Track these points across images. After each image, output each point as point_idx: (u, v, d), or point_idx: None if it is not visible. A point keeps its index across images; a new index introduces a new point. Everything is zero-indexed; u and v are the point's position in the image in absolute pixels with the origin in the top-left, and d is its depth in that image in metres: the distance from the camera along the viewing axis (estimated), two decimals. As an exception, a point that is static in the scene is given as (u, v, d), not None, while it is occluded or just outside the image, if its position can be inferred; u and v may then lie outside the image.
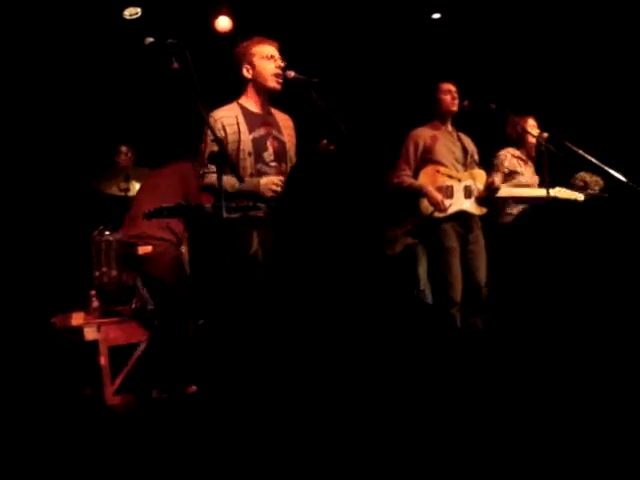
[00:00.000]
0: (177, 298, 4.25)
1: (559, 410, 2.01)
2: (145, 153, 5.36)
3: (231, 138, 3.50)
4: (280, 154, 3.62)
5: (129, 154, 5.42)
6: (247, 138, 3.53)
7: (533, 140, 5.00)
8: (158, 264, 4.29)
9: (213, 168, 3.28)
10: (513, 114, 4.61)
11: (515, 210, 4.92)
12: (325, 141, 3.52)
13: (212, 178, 3.35)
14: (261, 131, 3.59)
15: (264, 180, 3.44)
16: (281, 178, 3.45)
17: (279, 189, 3.40)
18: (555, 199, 4.63)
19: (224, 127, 3.50)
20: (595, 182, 4.93)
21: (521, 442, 1.89)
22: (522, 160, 5.03)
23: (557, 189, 4.69)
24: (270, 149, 3.58)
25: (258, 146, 3.55)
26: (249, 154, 3.51)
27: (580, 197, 4.78)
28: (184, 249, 4.36)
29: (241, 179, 3.22)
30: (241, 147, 3.50)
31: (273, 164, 3.57)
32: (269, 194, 3.39)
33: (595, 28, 5.77)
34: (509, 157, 4.97)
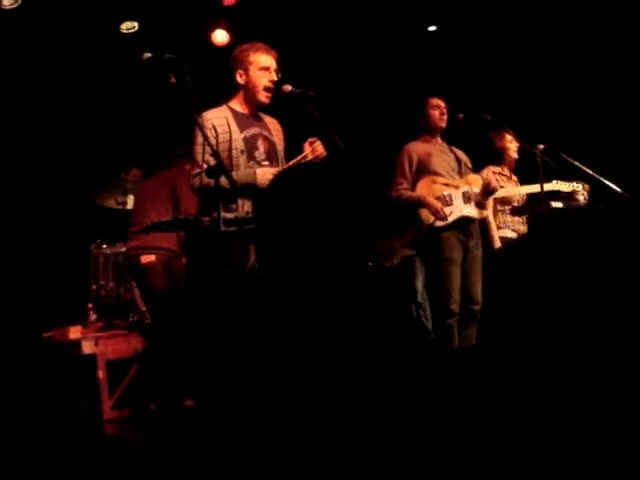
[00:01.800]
0: (176, 310, 4.24)
1: (555, 421, 2.01)
2: (144, 165, 5.36)
3: (222, 138, 3.50)
4: (271, 154, 3.63)
5: (137, 173, 5.39)
6: (238, 137, 3.53)
7: (513, 155, 5.05)
8: (159, 274, 4.29)
9: (206, 167, 3.31)
10: (506, 125, 4.63)
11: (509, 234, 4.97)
12: (311, 139, 3.50)
13: (205, 179, 3.35)
14: (252, 130, 3.59)
15: (260, 170, 3.44)
16: (274, 171, 3.44)
17: None
18: (549, 199, 4.67)
19: (214, 127, 3.50)
20: (574, 188, 4.93)
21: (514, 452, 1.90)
22: (504, 176, 5.08)
23: (553, 182, 4.71)
24: (261, 148, 3.58)
25: (250, 145, 3.55)
26: (241, 152, 3.51)
27: (578, 187, 4.79)
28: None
29: (235, 188, 3.21)
30: (233, 146, 3.50)
31: (265, 163, 3.57)
32: (267, 183, 3.38)
33: (588, 39, 5.80)
34: (491, 175, 5.00)
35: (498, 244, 4.88)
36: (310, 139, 3.52)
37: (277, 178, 3.17)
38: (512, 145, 5.03)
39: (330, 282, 2.87)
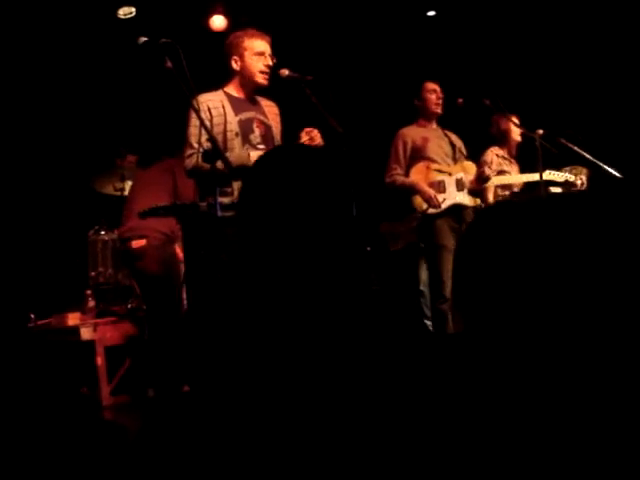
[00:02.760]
0: (170, 295, 4.25)
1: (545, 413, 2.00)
2: (140, 152, 5.34)
3: (216, 120, 3.50)
4: (267, 137, 3.63)
5: (132, 159, 5.37)
6: (233, 119, 3.53)
7: (517, 138, 5.04)
8: (152, 259, 4.28)
9: (198, 148, 3.31)
10: (506, 110, 4.61)
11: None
12: (308, 129, 3.49)
13: (199, 160, 3.34)
14: (247, 114, 3.59)
15: (254, 153, 3.43)
16: None
17: None
18: (548, 185, 4.66)
19: (209, 109, 3.50)
20: (567, 179, 4.88)
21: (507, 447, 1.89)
22: (507, 159, 5.06)
23: (546, 172, 4.69)
24: (257, 131, 3.58)
25: (245, 128, 3.56)
26: (236, 134, 3.51)
27: (571, 177, 4.78)
28: (178, 246, 4.34)
29: (232, 171, 3.21)
30: (227, 128, 3.50)
31: (260, 146, 3.57)
32: None
33: (588, 23, 5.77)
34: (495, 159, 4.99)
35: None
36: (307, 129, 3.51)
37: (262, 158, 3.13)
38: (516, 128, 5.00)
39: (317, 266, 2.85)
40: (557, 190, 4.83)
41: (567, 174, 4.76)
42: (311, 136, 3.47)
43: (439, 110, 4.64)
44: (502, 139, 5.08)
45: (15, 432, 3.06)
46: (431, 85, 4.63)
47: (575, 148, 4.32)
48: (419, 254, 5.25)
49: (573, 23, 5.81)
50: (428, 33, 6.22)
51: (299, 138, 3.52)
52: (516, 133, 5.04)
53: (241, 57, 3.59)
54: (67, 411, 3.85)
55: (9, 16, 5.16)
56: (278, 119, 3.74)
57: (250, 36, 3.60)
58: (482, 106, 4.54)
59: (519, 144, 5.09)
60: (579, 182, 4.84)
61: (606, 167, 4.28)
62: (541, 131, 4.48)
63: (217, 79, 3.69)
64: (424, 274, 5.22)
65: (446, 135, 4.72)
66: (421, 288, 5.37)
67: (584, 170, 4.87)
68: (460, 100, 4.59)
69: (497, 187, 4.97)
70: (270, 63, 3.57)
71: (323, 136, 3.51)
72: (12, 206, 5.36)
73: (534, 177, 4.63)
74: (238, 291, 3.17)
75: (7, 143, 5.40)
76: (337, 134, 3.37)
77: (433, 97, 4.62)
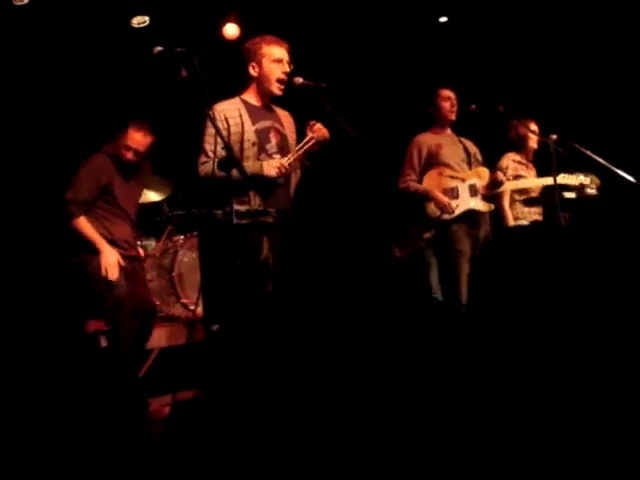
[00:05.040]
0: (110, 309, 4.21)
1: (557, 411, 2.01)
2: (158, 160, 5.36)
3: (234, 129, 3.52)
4: (283, 147, 3.64)
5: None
6: (250, 129, 3.55)
7: (534, 144, 5.03)
8: (85, 277, 4.27)
9: (213, 157, 3.33)
10: (520, 116, 4.62)
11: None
12: (312, 122, 3.52)
13: (210, 168, 3.37)
14: (264, 123, 3.61)
15: (266, 162, 3.47)
16: (284, 159, 3.48)
17: (283, 169, 3.44)
18: (562, 190, 4.64)
19: (226, 119, 3.51)
20: (582, 181, 4.85)
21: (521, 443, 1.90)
22: (523, 164, 5.05)
23: (561, 176, 4.68)
24: (273, 141, 3.60)
25: (261, 137, 3.57)
26: (253, 144, 3.53)
27: (586, 180, 4.76)
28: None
29: (248, 182, 3.26)
30: (245, 137, 3.52)
31: (276, 156, 3.59)
32: (274, 172, 3.43)
33: (599, 29, 5.76)
34: (511, 164, 4.99)
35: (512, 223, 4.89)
36: (310, 122, 3.53)
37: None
38: (533, 135, 4.99)
39: (352, 274, 2.88)
40: (571, 195, 4.82)
41: (582, 176, 4.75)
42: (315, 129, 3.49)
43: (453, 117, 4.65)
44: (520, 144, 5.07)
45: (32, 436, 3.09)
46: (445, 92, 4.64)
47: (589, 153, 4.32)
48: (427, 260, 5.27)
49: (586, 28, 5.81)
50: (440, 39, 6.23)
51: (306, 134, 3.55)
52: (533, 140, 5.03)
53: (259, 63, 3.59)
54: (87, 417, 3.87)
55: (22, 27, 5.21)
56: (294, 129, 3.76)
57: (268, 42, 3.61)
58: (496, 112, 4.54)
59: (535, 151, 5.08)
60: (591, 191, 4.83)
61: (620, 172, 4.27)
62: (555, 136, 4.48)
63: (231, 87, 3.70)
64: (434, 279, 5.23)
65: (461, 142, 4.74)
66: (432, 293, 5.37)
67: (596, 180, 4.86)
68: (473, 106, 4.59)
69: (513, 192, 4.96)
70: (288, 70, 3.58)
71: (338, 144, 3.52)
72: (34, 215, 5.40)
73: (549, 181, 4.63)
74: (255, 297, 3.19)
75: (23, 157, 5.44)
76: (352, 141, 3.39)
77: (447, 104, 4.63)
